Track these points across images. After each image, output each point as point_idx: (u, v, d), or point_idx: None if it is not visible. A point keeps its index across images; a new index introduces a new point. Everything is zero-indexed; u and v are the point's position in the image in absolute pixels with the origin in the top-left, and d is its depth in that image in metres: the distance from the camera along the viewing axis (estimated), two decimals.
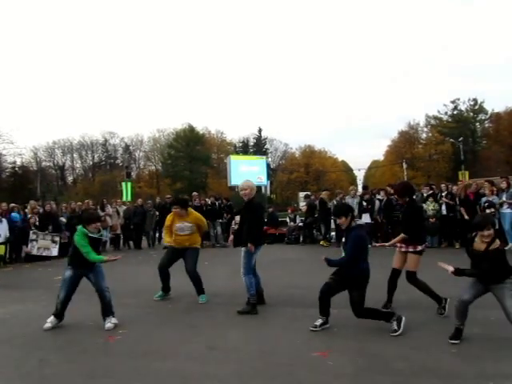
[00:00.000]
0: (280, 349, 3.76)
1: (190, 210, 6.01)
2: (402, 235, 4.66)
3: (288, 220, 14.23)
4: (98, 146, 54.93)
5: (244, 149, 54.77)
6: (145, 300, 5.85)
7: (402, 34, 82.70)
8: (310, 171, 53.02)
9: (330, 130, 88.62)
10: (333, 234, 12.38)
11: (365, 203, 11.63)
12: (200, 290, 5.71)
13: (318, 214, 12.75)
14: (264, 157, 27.64)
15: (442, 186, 11.44)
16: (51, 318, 4.64)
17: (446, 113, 49.92)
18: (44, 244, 11.03)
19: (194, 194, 14.55)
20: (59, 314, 4.67)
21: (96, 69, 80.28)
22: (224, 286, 6.55)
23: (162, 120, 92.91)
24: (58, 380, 3.28)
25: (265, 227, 11.35)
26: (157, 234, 14.07)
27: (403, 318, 4.03)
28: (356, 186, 32.15)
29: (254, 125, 78.46)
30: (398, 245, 4.77)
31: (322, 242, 12.24)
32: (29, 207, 11.97)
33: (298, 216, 14.27)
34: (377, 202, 11.69)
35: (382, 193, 11.97)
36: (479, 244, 3.65)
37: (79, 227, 4.72)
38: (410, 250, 4.64)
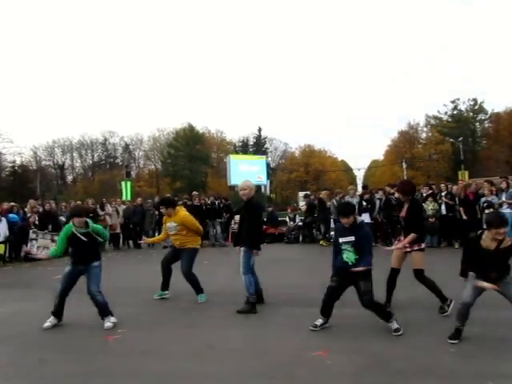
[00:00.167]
0: (279, 348, 3.76)
1: (179, 209, 5.90)
2: (413, 234, 4.62)
3: (288, 219, 14.23)
4: (98, 145, 54.89)
5: (244, 148, 54.75)
6: (144, 299, 5.85)
7: (402, 34, 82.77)
8: (309, 171, 52.99)
9: (329, 129, 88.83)
10: (332, 233, 12.37)
11: (364, 203, 11.63)
12: (198, 289, 5.71)
13: (318, 213, 12.76)
14: (264, 156, 27.68)
15: (442, 185, 11.44)
16: (51, 318, 4.64)
17: (445, 113, 49.95)
18: (43, 243, 11.03)
19: (194, 193, 14.55)
20: (57, 312, 4.67)
21: (96, 68, 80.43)
22: (223, 285, 6.55)
23: (161, 119, 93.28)
24: (57, 379, 3.28)
25: (264, 226, 11.40)
26: (156, 234, 14.07)
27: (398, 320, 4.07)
28: (356, 185, 32.19)
29: (254, 124, 78.68)
30: (396, 243, 4.77)
31: (321, 242, 12.24)
32: (28, 206, 11.97)
33: (297, 215, 14.28)
34: (377, 202, 11.69)
35: (380, 192, 11.97)
36: (488, 242, 3.59)
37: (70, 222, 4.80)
38: (415, 248, 4.64)
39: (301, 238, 13.36)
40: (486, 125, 49.49)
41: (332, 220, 12.39)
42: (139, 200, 14.59)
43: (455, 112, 49.42)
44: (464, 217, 10.18)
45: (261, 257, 5.27)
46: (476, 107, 48.91)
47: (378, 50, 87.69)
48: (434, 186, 11.92)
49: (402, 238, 4.76)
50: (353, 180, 52.88)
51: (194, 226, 5.87)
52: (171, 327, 4.57)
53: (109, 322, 4.56)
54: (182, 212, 5.86)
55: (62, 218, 12.06)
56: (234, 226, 13.26)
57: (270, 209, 15.52)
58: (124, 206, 14.12)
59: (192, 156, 50.78)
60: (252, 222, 5.14)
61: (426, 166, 46.88)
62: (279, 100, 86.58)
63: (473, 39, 77.57)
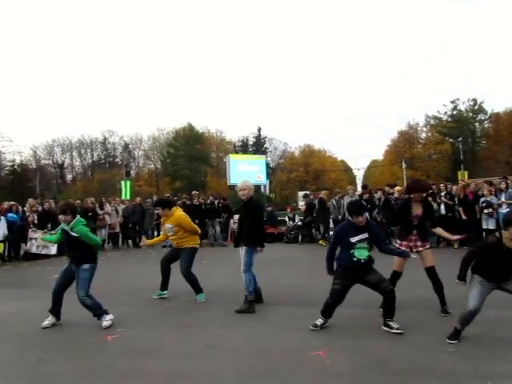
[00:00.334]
0: (278, 348, 3.76)
1: (175, 210, 5.86)
2: (440, 230, 4.93)
3: (287, 219, 14.24)
4: (98, 144, 54.82)
5: (243, 148, 54.74)
6: (143, 299, 5.85)
7: (402, 34, 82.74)
8: (309, 170, 52.99)
9: (329, 129, 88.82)
10: (331, 233, 12.38)
11: (364, 203, 11.62)
12: (197, 289, 5.71)
13: (317, 213, 12.76)
14: (263, 156, 27.61)
15: (441, 185, 11.44)
16: (49, 317, 4.65)
17: (445, 113, 49.95)
18: (43, 242, 11.00)
19: (194, 192, 14.54)
20: (53, 309, 4.67)
21: (96, 67, 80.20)
22: (223, 284, 6.55)
23: (161, 119, 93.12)
24: (56, 378, 3.28)
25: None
26: (155, 233, 14.07)
27: None
28: (355, 185, 32.21)
29: (254, 124, 78.76)
30: (403, 246, 4.74)
31: (320, 242, 12.25)
32: (27, 205, 11.95)
33: (296, 215, 14.28)
34: (377, 202, 11.69)
35: (379, 192, 11.97)
36: (508, 242, 3.52)
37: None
38: (427, 246, 4.74)
39: (300, 238, 13.37)
40: (486, 125, 49.48)
41: (331, 220, 12.42)
42: (138, 199, 14.55)
43: (455, 112, 49.42)
44: (463, 217, 10.19)
45: (260, 256, 5.27)
46: (476, 107, 48.91)
47: (378, 50, 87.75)
48: (434, 186, 11.90)
49: (413, 238, 4.73)
50: (352, 180, 52.87)
51: (190, 227, 5.84)
52: (171, 327, 4.57)
53: (105, 321, 4.56)
54: (178, 213, 5.83)
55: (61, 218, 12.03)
56: (234, 226, 13.27)
57: (269, 208, 15.51)
58: (123, 206, 14.11)
59: (192, 155, 50.76)
60: (254, 220, 5.18)
61: (425, 166, 46.87)
62: (279, 100, 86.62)
63: (473, 39, 77.69)
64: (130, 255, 11.48)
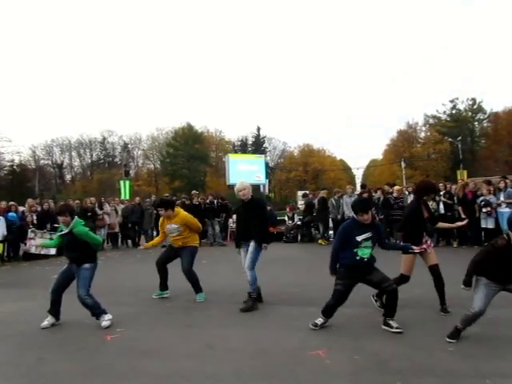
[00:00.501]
0: (278, 347, 3.77)
1: (178, 210, 5.88)
2: (447, 224, 5.31)
3: (286, 218, 14.24)
4: (97, 144, 54.74)
5: (243, 147, 54.75)
6: (143, 298, 5.85)
7: (402, 34, 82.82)
8: (308, 170, 53.02)
9: (329, 129, 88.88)
10: (331, 232, 12.39)
11: None
12: (197, 288, 5.71)
13: (318, 212, 12.76)
14: (262, 156, 27.67)
15: (440, 185, 11.44)
16: (48, 317, 4.65)
17: (444, 112, 49.98)
18: (42, 242, 10.99)
19: (194, 192, 14.54)
20: (52, 309, 4.66)
21: (95, 67, 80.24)
22: (223, 284, 6.55)
23: (160, 118, 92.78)
24: (56, 378, 3.28)
25: None
26: (154, 232, 14.07)
27: None
28: (354, 184, 32.23)
29: (253, 123, 78.58)
30: (426, 245, 4.74)
31: (320, 241, 12.26)
32: (27, 205, 11.94)
33: (295, 215, 14.28)
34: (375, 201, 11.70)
35: (378, 192, 11.97)
36: None
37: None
38: (432, 245, 4.82)
39: (299, 238, 13.37)
40: (485, 124, 49.52)
41: (330, 219, 12.42)
42: (138, 199, 14.54)
43: (454, 111, 49.46)
44: (463, 216, 10.19)
45: (260, 255, 5.28)
46: (475, 107, 48.94)
47: (378, 50, 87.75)
48: (435, 185, 11.87)
49: (424, 239, 4.72)
50: (351, 179, 52.87)
51: (196, 226, 5.92)
52: (170, 327, 4.57)
53: (105, 321, 4.57)
54: (183, 213, 5.87)
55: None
56: (233, 226, 13.27)
57: (268, 208, 15.49)
58: (123, 205, 14.11)
59: (191, 155, 50.76)
60: (262, 218, 5.31)
61: (424, 166, 46.90)
62: (278, 99, 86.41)
63: (473, 39, 77.71)
64: (130, 255, 11.48)
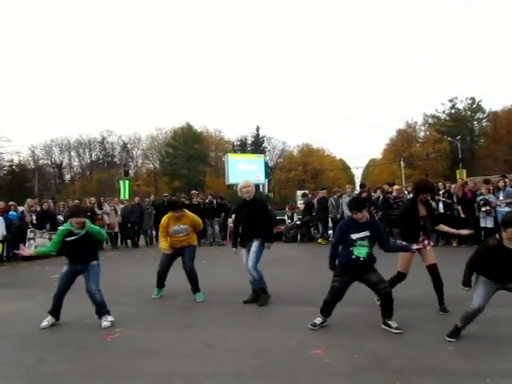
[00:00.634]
0: (278, 347, 3.77)
1: (186, 211, 5.96)
2: (443, 226, 4.92)
3: (286, 218, 14.25)
4: (96, 144, 54.72)
5: (242, 147, 54.77)
6: (142, 298, 5.85)
7: (402, 33, 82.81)
8: (307, 169, 53.04)
9: (329, 129, 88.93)
10: (330, 232, 12.40)
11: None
12: (196, 287, 5.71)
13: (317, 212, 12.77)
14: (262, 155, 27.71)
15: (440, 184, 11.45)
16: (48, 317, 4.64)
17: (443, 111, 50.03)
18: (41, 242, 11.01)
19: (193, 192, 14.55)
20: (54, 311, 4.66)
21: (94, 67, 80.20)
22: (222, 284, 6.56)
23: (159, 118, 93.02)
24: (56, 378, 3.28)
25: None
26: (153, 232, 14.08)
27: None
28: (354, 184, 32.21)
29: (252, 123, 78.59)
30: (422, 245, 4.75)
31: (319, 240, 12.27)
32: (26, 206, 11.93)
33: (295, 214, 14.29)
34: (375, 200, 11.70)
35: (378, 191, 11.98)
36: (507, 242, 3.54)
37: (67, 222, 4.74)
38: (432, 244, 4.79)
39: (299, 237, 13.38)
40: (484, 123, 49.59)
41: (330, 219, 12.43)
42: (137, 199, 14.54)
43: (453, 111, 49.50)
44: (462, 215, 10.21)
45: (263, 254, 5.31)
46: (474, 106, 48.98)
47: (378, 50, 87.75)
48: (434, 185, 11.87)
49: (421, 238, 4.71)
50: (351, 179, 52.87)
51: (200, 225, 6.15)
52: (170, 326, 4.57)
53: (106, 321, 4.56)
54: (190, 213, 5.97)
55: (60, 217, 12.04)
56: (232, 225, 13.27)
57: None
58: (122, 205, 14.11)
59: (190, 155, 50.77)
60: (266, 216, 5.40)
61: (423, 165, 46.92)
62: (278, 99, 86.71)
63: (473, 39, 77.72)
64: (129, 255, 11.48)
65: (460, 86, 73.42)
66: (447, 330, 3.79)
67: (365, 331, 4.09)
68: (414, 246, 4.47)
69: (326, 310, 4.26)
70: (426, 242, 4.73)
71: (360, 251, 4.11)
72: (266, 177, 22.96)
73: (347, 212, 11.20)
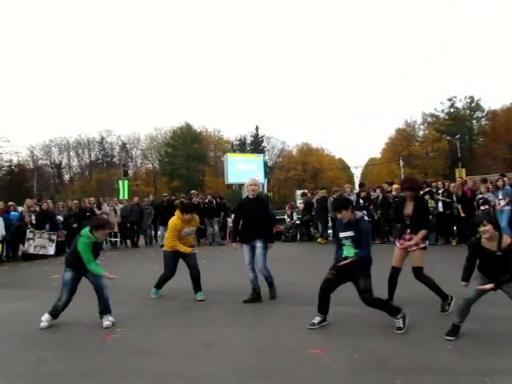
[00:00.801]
0: (277, 346, 3.77)
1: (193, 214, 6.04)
2: (423, 231, 4.64)
3: (286, 217, 14.24)
4: (95, 144, 54.66)
5: (241, 147, 54.74)
6: (142, 298, 5.85)
7: (402, 34, 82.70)
8: (307, 169, 53.05)
9: (329, 128, 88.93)
10: (330, 231, 12.39)
11: (361, 201, 11.66)
12: (198, 286, 5.71)
13: (317, 211, 12.76)
14: (261, 155, 27.70)
15: (439, 183, 11.45)
16: (47, 318, 4.62)
17: (442, 110, 50.05)
18: (41, 242, 11.01)
19: (193, 191, 14.53)
20: (56, 314, 4.66)
21: (93, 67, 79.93)
22: (222, 283, 6.56)
23: (159, 118, 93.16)
24: (55, 378, 3.28)
25: None
26: (153, 232, 14.08)
27: (407, 316, 4.06)
28: (353, 183, 32.22)
29: (252, 123, 78.50)
30: (399, 243, 4.78)
31: (319, 240, 12.26)
32: (25, 206, 11.92)
33: (294, 213, 14.28)
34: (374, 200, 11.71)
35: (378, 190, 11.99)
36: (489, 244, 3.60)
37: (85, 231, 4.64)
38: (421, 246, 4.66)
39: (298, 237, 13.37)
40: (483, 122, 49.61)
41: (330, 218, 12.42)
42: (136, 199, 14.54)
43: (452, 110, 49.53)
44: (462, 214, 10.21)
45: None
46: (472, 105, 49.00)
47: (378, 50, 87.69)
48: (434, 184, 11.86)
49: (407, 236, 4.73)
50: (350, 178, 52.88)
51: (198, 226, 6.39)
52: (170, 326, 4.57)
53: (107, 321, 4.57)
54: (195, 215, 6.01)
55: (60, 218, 12.03)
56: (231, 224, 13.27)
57: None
58: (121, 205, 14.10)
59: (189, 155, 50.75)
60: (269, 216, 5.52)
61: (423, 164, 46.95)
62: (277, 98, 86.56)
63: (473, 39, 77.70)
64: (129, 255, 11.47)
65: (460, 85, 73.63)
66: (446, 328, 3.79)
67: (364, 331, 4.09)
68: (397, 244, 4.69)
69: (321, 304, 4.27)
70: (412, 242, 4.66)
71: (349, 251, 4.16)
72: (265, 176, 22.95)
73: None
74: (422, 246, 4.65)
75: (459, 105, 49.41)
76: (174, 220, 5.74)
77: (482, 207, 9.90)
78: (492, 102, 70.58)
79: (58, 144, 52.96)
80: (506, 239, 3.58)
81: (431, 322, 4.29)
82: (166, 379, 3.20)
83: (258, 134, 55.82)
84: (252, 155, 30.57)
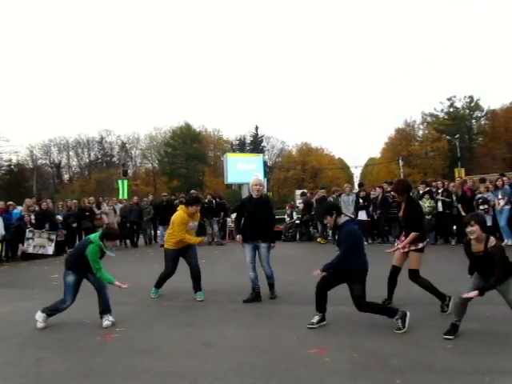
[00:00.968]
0: (277, 346, 3.78)
1: None
2: (413, 234, 4.59)
3: (286, 216, 14.23)
4: (95, 143, 54.66)
5: (241, 146, 54.77)
6: (142, 298, 5.85)
7: (402, 34, 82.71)
8: (306, 169, 53.05)
9: (329, 128, 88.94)
10: (329, 231, 12.39)
11: (361, 200, 11.66)
12: (199, 286, 5.71)
13: (315, 211, 12.76)
14: (261, 155, 27.65)
15: (438, 183, 11.44)
16: (43, 317, 4.58)
17: (442, 110, 50.06)
18: (40, 242, 11.00)
19: (193, 191, 14.53)
20: (53, 314, 4.65)
21: (92, 66, 80.00)
22: (222, 283, 6.56)
23: (158, 118, 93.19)
24: (55, 378, 3.28)
25: None
26: (152, 232, 14.07)
27: (408, 314, 4.06)
28: (352, 183, 32.22)
29: (251, 122, 78.52)
30: (397, 243, 4.79)
31: (318, 240, 12.26)
32: (24, 205, 11.91)
33: (294, 213, 14.27)
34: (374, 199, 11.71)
35: (378, 190, 11.98)
36: (476, 245, 3.64)
37: (96, 238, 4.59)
38: (412, 248, 4.63)
39: (298, 236, 13.38)
40: (482, 122, 49.62)
41: None
42: (135, 199, 14.53)
43: (451, 109, 49.54)
44: (462, 213, 10.20)
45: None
46: (472, 104, 49.01)
47: (378, 50, 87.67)
48: (433, 184, 11.85)
49: (403, 238, 4.74)
50: (349, 178, 52.89)
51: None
52: (170, 326, 4.57)
53: (107, 321, 4.57)
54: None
55: (59, 217, 12.03)
56: (231, 225, 13.27)
57: None
58: (121, 205, 14.10)
59: (189, 154, 50.75)
60: (272, 217, 5.58)
61: (422, 164, 46.96)
62: (276, 98, 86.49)
63: (472, 39, 77.72)
64: (128, 255, 11.46)
65: (459, 85, 73.62)
66: (446, 328, 3.80)
67: (364, 330, 4.10)
68: (395, 245, 4.73)
69: (318, 302, 4.28)
70: (400, 245, 4.69)
71: (338, 254, 4.21)
72: (264, 176, 22.86)
73: (346, 211, 11.21)
74: (420, 246, 4.64)
75: (459, 104, 49.50)
76: (180, 214, 5.72)
77: (481, 207, 9.90)
78: (491, 101, 70.56)
79: (58, 144, 53.01)
80: (492, 241, 3.59)
81: (431, 321, 4.29)
82: (165, 379, 3.20)
83: (257, 134, 55.84)
84: (251, 155, 30.53)
